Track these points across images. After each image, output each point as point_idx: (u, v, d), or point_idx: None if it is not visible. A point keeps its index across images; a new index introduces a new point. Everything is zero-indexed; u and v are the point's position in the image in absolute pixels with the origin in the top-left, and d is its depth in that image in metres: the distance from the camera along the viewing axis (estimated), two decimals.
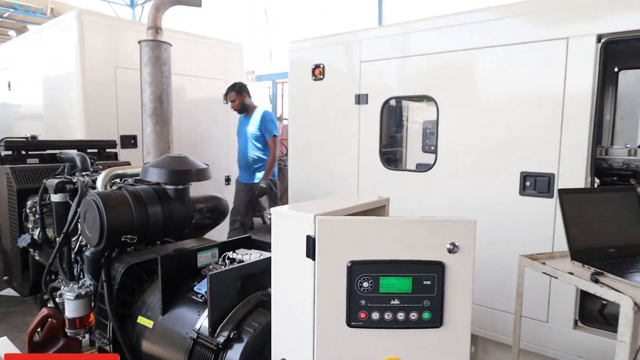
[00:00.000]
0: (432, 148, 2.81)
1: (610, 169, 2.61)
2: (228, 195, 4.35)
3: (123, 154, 3.80)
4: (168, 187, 2.02)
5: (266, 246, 1.98)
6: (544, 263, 1.61)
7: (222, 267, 1.74)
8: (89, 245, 1.95)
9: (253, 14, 10.45)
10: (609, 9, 2.10)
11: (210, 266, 1.78)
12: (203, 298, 1.63)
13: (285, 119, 8.62)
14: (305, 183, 3.47)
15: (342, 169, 3.19)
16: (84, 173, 2.49)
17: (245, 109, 4.27)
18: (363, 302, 1.16)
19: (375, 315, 1.16)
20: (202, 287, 1.67)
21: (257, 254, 1.81)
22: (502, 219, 2.49)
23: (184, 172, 1.95)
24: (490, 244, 2.48)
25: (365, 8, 7.46)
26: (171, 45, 2.71)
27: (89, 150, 3.18)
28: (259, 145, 4.21)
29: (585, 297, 2.40)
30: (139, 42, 2.65)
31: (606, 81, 3.29)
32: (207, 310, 1.56)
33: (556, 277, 1.52)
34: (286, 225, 1.27)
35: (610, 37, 2.14)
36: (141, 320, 1.78)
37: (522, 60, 2.37)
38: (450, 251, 1.15)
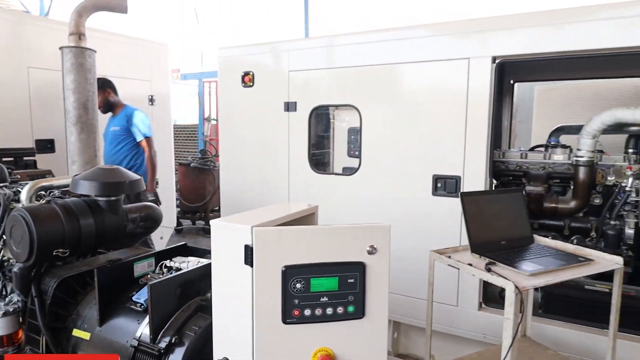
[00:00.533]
0: (357, 153, 3.04)
1: (507, 170, 3.01)
2: None
3: (40, 159, 3.60)
4: (100, 198, 2.02)
5: (201, 253, 2.06)
6: (449, 256, 1.89)
7: (161, 275, 1.80)
8: (15, 261, 1.90)
9: (182, 14, 10.16)
10: (501, 36, 2.45)
11: (149, 275, 1.83)
12: (143, 307, 1.69)
13: (214, 119, 8.53)
14: (237, 188, 3.55)
15: (274, 174, 3.33)
16: (2, 185, 2.38)
17: (110, 108, 3.77)
18: (296, 301, 1.32)
19: (307, 312, 1.32)
20: (141, 296, 1.72)
21: (195, 261, 1.89)
22: (418, 217, 2.78)
23: (117, 184, 1.97)
24: (408, 239, 2.76)
25: (292, 13, 7.63)
26: (95, 51, 2.65)
27: (4, 159, 2.99)
28: (124, 147, 3.73)
29: (487, 283, 2.77)
30: (61, 48, 2.58)
31: (504, 92, 3.76)
32: (147, 319, 1.62)
33: (458, 269, 1.80)
34: (225, 236, 1.39)
35: (502, 59, 2.50)
36: (77, 332, 1.78)
37: (433, 75, 2.67)
38: (369, 253, 1.34)
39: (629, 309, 2.16)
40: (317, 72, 3.08)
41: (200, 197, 6.96)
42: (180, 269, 1.84)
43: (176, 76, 9.49)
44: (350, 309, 1.35)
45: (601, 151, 2.80)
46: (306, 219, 1.66)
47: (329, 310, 1.33)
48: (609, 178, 2.70)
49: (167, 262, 1.89)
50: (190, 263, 1.85)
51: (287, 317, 1.32)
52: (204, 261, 1.87)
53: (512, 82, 3.77)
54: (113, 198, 2.03)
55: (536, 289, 2.86)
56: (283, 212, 1.56)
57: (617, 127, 2.70)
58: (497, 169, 3.00)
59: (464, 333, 2.73)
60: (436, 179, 2.71)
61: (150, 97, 4.87)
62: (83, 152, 2.63)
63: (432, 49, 2.65)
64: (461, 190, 2.57)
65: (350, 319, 1.35)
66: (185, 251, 2.08)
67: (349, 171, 3.12)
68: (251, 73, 3.34)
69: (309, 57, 3.11)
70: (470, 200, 1.97)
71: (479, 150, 2.58)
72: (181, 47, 9.49)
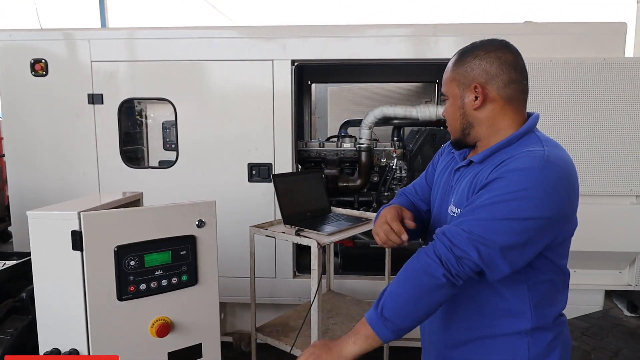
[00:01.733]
0: (173, 146, 3.10)
1: (309, 157, 3.53)
2: None
3: None
4: None
5: (3, 256, 1.87)
6: (266, 229, 2.19)
7: None
8: None
9: None
10: (296, 43, 2.88)
11: None
12: None
13: None
14: (32, 188, 3.15)
15: (78, 170, 3.09)
16: None
17: None
18: (131, 277, 1.40)
19: (142, 286, 1.43)
20: None
21: (0, 264, 1.72)
22: (237, 202, 3.03)
23: None
24: (228, 224, 2.96)
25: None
26: None
27: None
28: None
29: (298, 255, 3.23)
30: None
31: (304, 91, 4.33)
32: None
33: (274, 237, 2.12)
34: (47, 225, 1.36)
35: (299, 62, 2.94)
36: None
37: (243, 73, 2.93)
38: (198, 226, 1.52)
39: (397, 257, 2.87)
40: (126, 64, 3.00)
41: None
42: None
43: None
44: (184, 278, 1.50)
45: (376, 139, 3.55)
46: (131, 205, 1.72)
47: (164, 282, 1.47)
48: (382, 160, 3.46)
49: None
50: None
51: (123, 294, 1.40)
52: (10, 263, 1.72)
53: (309, 82, 4.36)
54: None
55: (336, 255, 3.46)
56: (105, 200, 1.59)
57: (384, 121, 3.48)
58: (302, 157, 3.48)
59: (282, 300, 3.12)
60: (251, 167, 3.00)
61: None
62: None
63: (241, 49, 2.92)
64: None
65: (185, 287, 1.51)
66: None
67: (166, 164, 3.14)
68: (43, 60, 3.02)
69: (115, 48, 2.99)
70: (280, 181, 2.32)
71: (285, 140, 2.97)
72: None
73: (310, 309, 1.93)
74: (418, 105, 3.35)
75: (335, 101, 5.18)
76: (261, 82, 2.92)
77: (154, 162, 3.41)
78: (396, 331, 1.00)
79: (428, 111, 3.26)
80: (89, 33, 3.02)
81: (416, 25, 2.89)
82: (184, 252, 1.49)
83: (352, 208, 3.52)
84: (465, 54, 1.16)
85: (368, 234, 2.66)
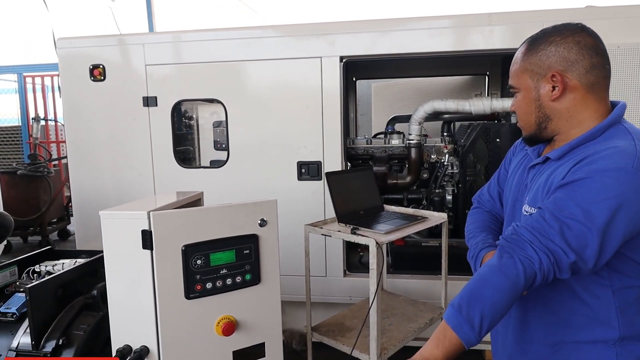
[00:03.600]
0: (224, 145, 3.14)
1: (357, 155, 3.48)
2: None
3: None
4: None
5: (73, 254, 1.95)
6: (321, 227, 2.17)
7: (33, 281, 1.66)
8: None
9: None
10: (346, 40, 2.85)
11: (17, 283, 1.67)
12: (15, 316, 1.55)
13: (43, 118, 7.46)
14: (92, 189, 3.30)
15: (135, 171, 3.20)
16: None
17: None
18: (198, 276, 1.42)
19: (209, 285, 1.44)
20: (11, 306, 1.58)
21: (70, 262, 1.79)
22: (286, 201, 3.01)
23: None
24: (279, 223, 3.00)
25: (134, 6, 7.10)
26: None
27: None
28: None
29: (349, 253, 3.19)
30: None
31: (349, 88, 4.29)
32: (22, 327, 1.51)
33: (330, 236, 2.10)
34: (118, 225, 1.40)
35: (348, 58, 2.90)
36: None
37: (292, 71, 2.93)
38: (261, 225, 1.52)
39: (453, 256, 2.78)
40: (178, 67, 3.07)
41: (34, 209, 6.07)
42: (51, 273, 1.73)
43: None
44: (248, 277, 1.51)
45: (426, 135, 3.45)
46: (193, 204, 1.75)
47: (229, 281, 1.47)
48: (432, 156, 3.36)
49: (36, 268, 1.75)
50: (65, 264, 1.75)
51: (190, 293, 1.41)
52: (81, 261, 1.79)
53: (354, 79, 4.31)
54: None
55: (387, 253, 3.40)
56: (169, 200, 1.62)
57: (435, 116, 3.37)
58: (349, 154, 3.44)
59: (333, 299, 3.10)
60: (300, 165, 3.00)
61: None
62: None
63: (289, 47, 2.91)
64: (323, 174, 2.91)
65: (248, 286, 1.51)
66: (52, 255, 1.94)
67: (217, 164, 3.20)
68: (101, 66, 3.14)
69: (166, 52, 3.07)
70: (333, 179, 2.29)
71: (335, 138, 2.95)
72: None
73: (369, 309, 1.90)
74: (470, 98, 3.23)
75: (379, 97, 5.10)
76: (310, 79, 2.91)
77: (205, 162, 3.48)
78: (481, 335, 0.95)
79: (482, 104, 3.13)
80: (142, 38, 3.12)
81: (470, 15, 2.77)
82: (247, 251, 1.49)
83: (402, 206, 3.46)
84: (538, 41, 1.08)
85: (419, 232, 2.59)
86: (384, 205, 2.57)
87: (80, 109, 3.24)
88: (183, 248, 1.39)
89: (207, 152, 3.45)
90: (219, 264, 1.45)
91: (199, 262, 1.41)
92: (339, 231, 2.07)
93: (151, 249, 1.36)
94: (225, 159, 3.09)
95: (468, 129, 3.38)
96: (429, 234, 3.23)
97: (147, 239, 1.36)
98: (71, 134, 3.31)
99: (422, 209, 3.39)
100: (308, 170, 2.99)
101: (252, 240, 1.50)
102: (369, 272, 3.04)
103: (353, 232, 2.02)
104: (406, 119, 3.46)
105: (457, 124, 3.79)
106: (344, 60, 2.89)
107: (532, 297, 1.09)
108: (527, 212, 1.09)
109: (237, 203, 1.49)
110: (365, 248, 2.16)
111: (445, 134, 3.50)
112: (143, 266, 1.38)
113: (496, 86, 4.02)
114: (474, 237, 1.26)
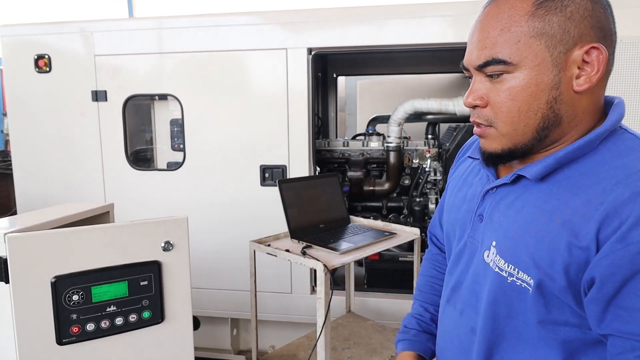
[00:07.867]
0: (181, 146, 2.83)
1: (332, 158, 3.17)
2: None
3: None
4: None
5: None
6: (269, 245, 1.86)
7: None
8: None
9: None
10: (315, 29, 2.53)
11: None
12: None
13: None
14: (38, 191, 2.99)
15: (83, 172, 2.89)
16: None
17: None
18: (74, 315, 1.11)
19: (90, 327, 1.13)
20: None
21: None
22: (248, 208, 2.72)
23: None
24: (239, 231, 2.68)
25: None
26: None
27: None
28: None
29: None
30: None
31: (328, 85, 3.97)
32: None
33: (275, 255, 1.78)
34: None
35: (317, 51, 2.58)
36: None
37: (254, 64, 2.62)
38: (165, 249, 1.21)
39: None
40: (130, 58, 2.76)
41: (4, 209, 5.78)
42: None
43: None
44: (146, 314, 1.19)
45: (407, 137, 3.14)
46: (98, 219, 1.44)
47: (119, 321, 1.16)
48: (414, 161, 3.04)
49: None
50: None
51: (64, 337, 1.10)
52: None
53: (335, 75, 4.00)
54: None
55: (360, 264, 3.09)
56: (61, 214, 1.31)
57: (417, 116, 3.06)
58: (323, 157, 3.13)
59: (299, 319, 2.78)
60: (264, 169, 2.69)
61: None
62: None
63: (252, 37, 2.60)
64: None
65: (147, 325, 1.20)
66: None
67: (173, 166, 2.89)
68: (47, 56, 2.83)
69: (119, 40, 2.76)
70: (287, 187, 1.98)
71: (302, 140, 2.63)
72: None
73: (316, 344, 1.58)
74: (456, 97, 2.91)
75: (365, 96, 4.78)
76: (274, 73, 2.59)
77: (162, 163, 3.17)
78: None
79: None
80: (90, 25, 2.80)
81: (454, 3, 2.46)
82: (145, 282, 1.18)
83: (380, 214, 3.14)
84: None
85: (398, 245, 2.28)
86: (352, 217, 2.26)
87: (25, 103, 2.93)
88: (53, 280, 1.08)
89: (163, 153, 3.14)
90: (105, 300, 1.14)
91: (75, 297, 1.10)
92: (287, 250, 1.75)
93: (7, 281, 1.05)
94: (181, 160, 2.78)
95: (454, 132, 3.07)
96: (408, 247, 2.92)
97: (1, 269, 1.05)
98: (15, 131, 3.00)
99: (403, 218, 3.08)
100: (272, 174, 2.68)
101: (151, 269, 1.19)
102: (341, 288, 2.76)
103: (303, 252, 1.71)
104: (387, 119, 3.14)
105: (445, 126, 3.47)
106: (312, 53, 2.57)
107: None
108: (495, 265, 0.72)
109: (132, 222, 1.18)
110: None
111: (430, 136, 3.19)
112: (1, 303, 1.07)
113: None
114: (414, 301, 1.06)
